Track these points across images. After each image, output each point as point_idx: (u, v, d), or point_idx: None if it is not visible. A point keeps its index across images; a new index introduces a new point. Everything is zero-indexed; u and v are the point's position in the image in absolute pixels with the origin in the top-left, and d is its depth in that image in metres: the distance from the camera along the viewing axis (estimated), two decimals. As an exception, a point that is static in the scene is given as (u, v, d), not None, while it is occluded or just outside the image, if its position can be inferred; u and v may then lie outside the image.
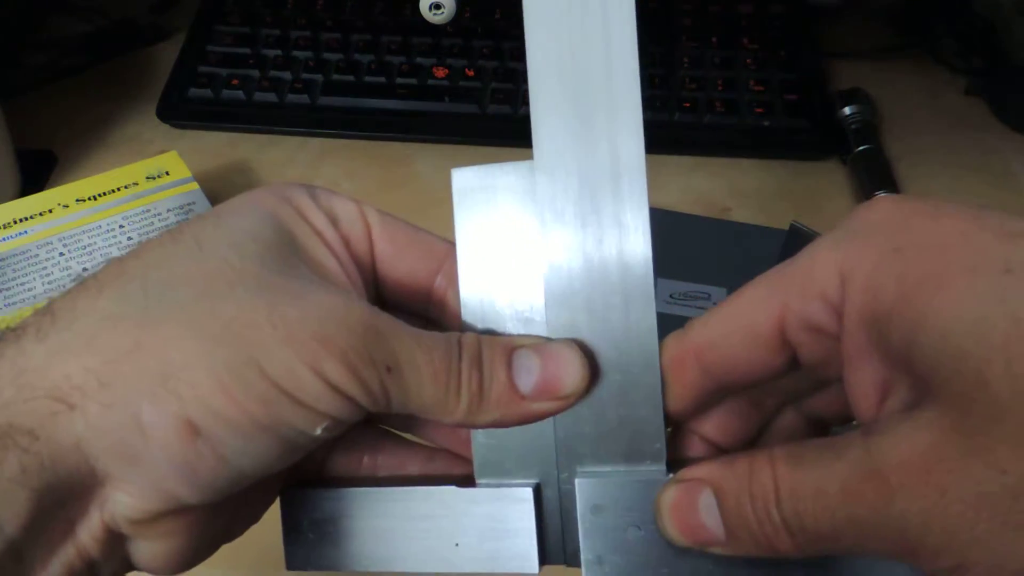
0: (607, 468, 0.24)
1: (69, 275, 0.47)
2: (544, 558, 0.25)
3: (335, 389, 0.21)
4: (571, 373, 0.23)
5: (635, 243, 0.24)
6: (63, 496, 0.20)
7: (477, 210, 0.25)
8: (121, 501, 0.21)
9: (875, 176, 0.57)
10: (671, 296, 0.46)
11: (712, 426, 0.25)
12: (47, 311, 0.22)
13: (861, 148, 0.59)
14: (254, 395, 0.21)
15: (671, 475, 0.23)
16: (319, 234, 0.25)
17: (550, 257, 0.24)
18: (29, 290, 0.46)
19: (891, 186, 0.56)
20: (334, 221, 0.25)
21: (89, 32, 0.69)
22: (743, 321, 0.23)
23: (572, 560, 0.24)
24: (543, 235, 0.24)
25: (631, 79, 0.25)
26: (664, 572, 0.23)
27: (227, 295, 0.21)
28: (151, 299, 0.21)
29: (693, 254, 0.48)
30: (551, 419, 0.24)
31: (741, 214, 0.57)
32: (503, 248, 0.25)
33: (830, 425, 0.25)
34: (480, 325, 0.25)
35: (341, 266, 0.25)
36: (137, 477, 0.21)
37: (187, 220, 0.24)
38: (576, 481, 0.24)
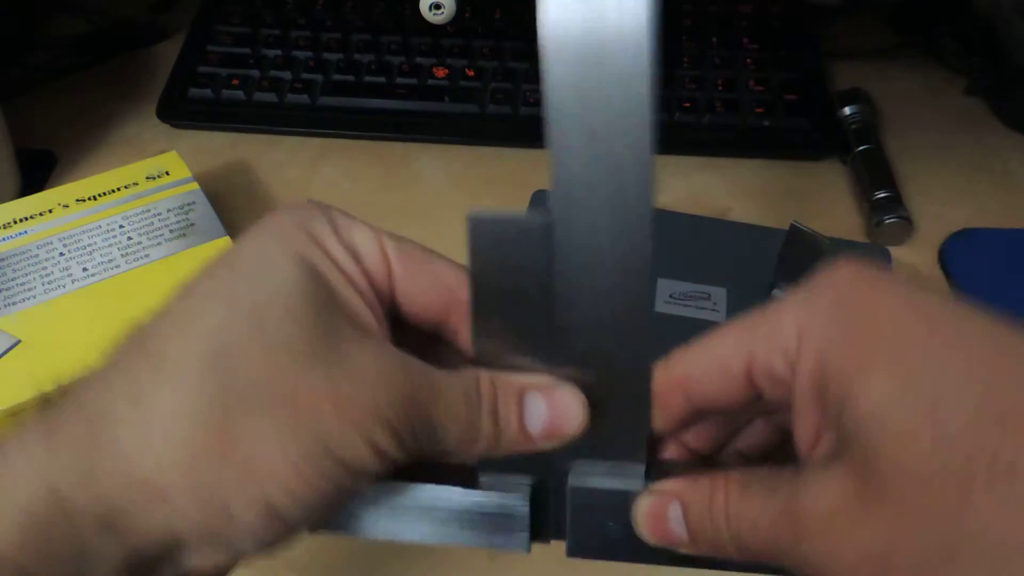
0: (595, 471, 0.28)
1: (69, 275, 0.47)
2: (534, 538, 0.29)
3: (383, 453, 0.24)
4: (573, 419, 0.26)
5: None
6: (145, 565, 0.23)
7: (491, 254, 0.26)
8: (193, 560, 0.24)
9: (875, 176, 0.57)
10: (671, 296, 0.46)
11: (690, 435, 0.29)
12: (114, 392, 0.24)
13: (861, 148, 0.59)
14: (323, 474, 0.23)
15: (648, 483, 0.27)
16: (346, 276, 0.26)
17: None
18: (29, 290, 0.46)
19: (891, 186, 0.56)
20: (356, 256, 0.27)
21: (89, 32, 0.69)
22: (719, 362, 0.26)
23: (558, 536, 0.29)
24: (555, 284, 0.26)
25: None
26: (633, 555, 0.28)
27: (288, 372, 0.23)
28: (220, 383, 0.23)
29: (693, 254, 0.48)
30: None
31: (741, 214, 0.57)
32: (515, 291, 0.26)
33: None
34: (491, 356, 0.27)
35: (367, 305, 0.27)
36: (217, 549, 0.24)
37: (215, 270, 0.25)
38: (568, 487, 0.28)
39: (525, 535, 0.29)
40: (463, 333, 0.28)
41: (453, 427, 0.25)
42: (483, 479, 0.28)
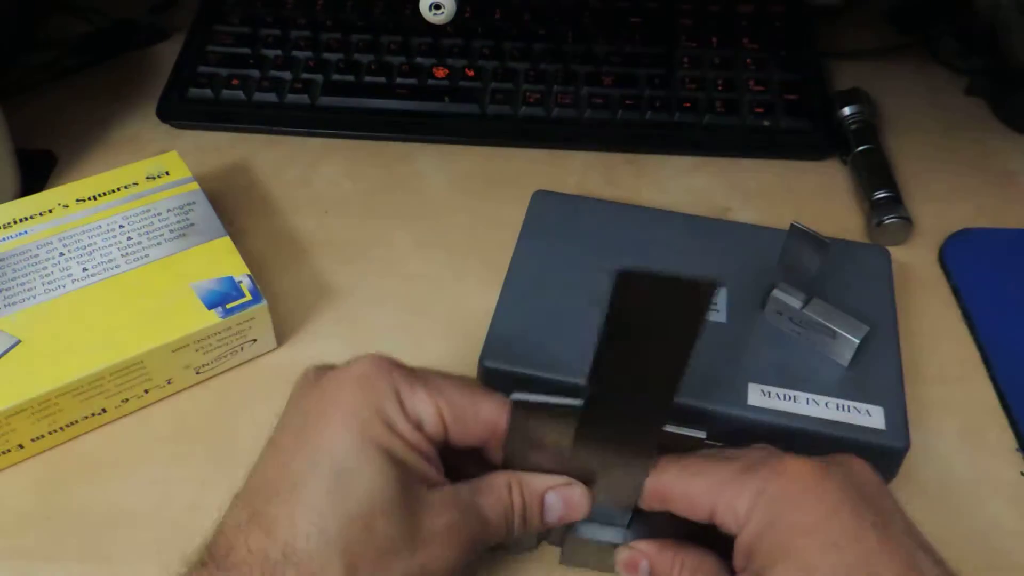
0: (589, 527, 0.38)
1: (69, 275, 0.47)
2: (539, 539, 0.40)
3: None
4: (581, 510, 0.36)
5: None
6: None
7: (526, 422, 0.33)
8: None
9: (875, 176, 0.57)
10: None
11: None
12: None
13: (861, 148, 0.59)
14: None
15: (628, 536, 0.38)
16: (416, 449, 0.33)
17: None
18: (29, 290, 0.46)
19: (891, 186, 0.56)
20: (419, 426, 0.33)
21: (89, 32, 0.69)
22: (690, 500, 0.34)
23: (556, 543, 0.40)
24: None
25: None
26: (608, 569, 0.39)
27: (395, 566, 0.32)
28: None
29: (693, 254, 0.48)
30: None
31: (741, 214, 0.57)
32: (542, 443, 0.35)
33: None
34: (518, 467, 0.36)
35: (429, 462, 0.33)
36: None
37: (313, 470, 0.31)
38: (565, 538, 0.39)
39: (533, 541, 0.40)
40: (497, 451, 0.35)
41: (495, 537, 0.35)
42: None
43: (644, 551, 0.36)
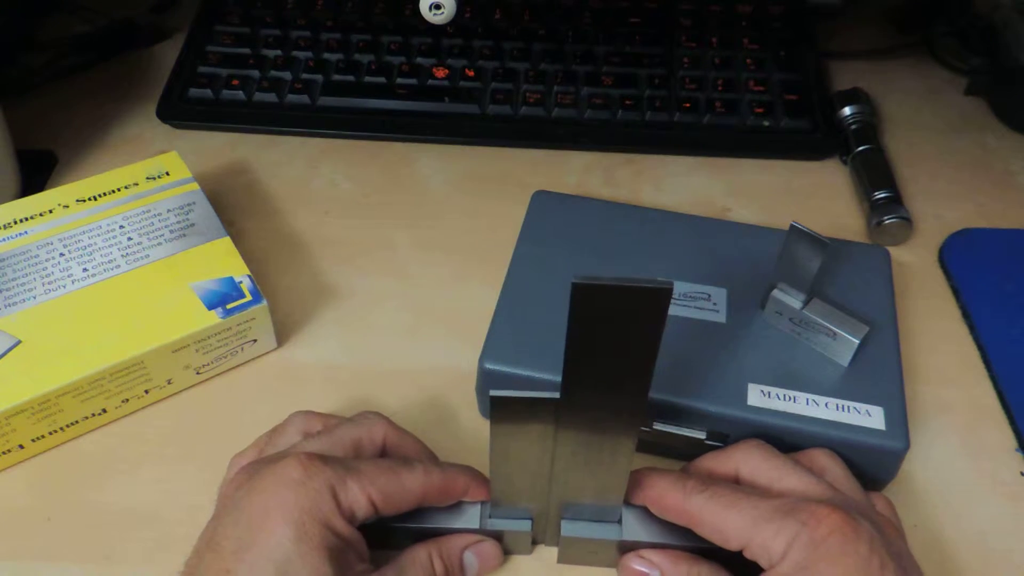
0: (579, 525, 0.39)
1: (69, 275, 0.47)
2: (534, 542, 0.42)
3: None
4: (493, 563, 0.40)
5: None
6: None
7: (506, 418, 0.34)
8: None
9: (875, 176, 0.57)
10: (672, 296, 0.45)
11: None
12: None
13: (861, 148, 0.59)
14: None
15: (620, 533, 0.39)
16: (351, 546, 0.35)
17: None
18: (29, 290, 0.46)
19: (891, 186, 0.56)
20: (353, 520, 0.35)
21: (89, 32, 0.69)
22: (722, 533, 0.36)
23: (552, 544, 0.41)
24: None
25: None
26: (606, 559, 0.40)
27: None
28: None
29: (693, 254, 0.48)
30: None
31: (741, 214, 0.57)
32: (523, 450, 0.35)
33: None
34: (505, 487, 0.38)
35: (359, 551, 0.35)
36: None
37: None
38: (560, 539, 0.40)
39: (528, 542, 0.41)
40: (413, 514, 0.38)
41: None
42: (491, 520, 0.39)
43: (656, 563, 0.38)
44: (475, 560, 0.39)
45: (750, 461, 0.39)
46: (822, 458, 0.40)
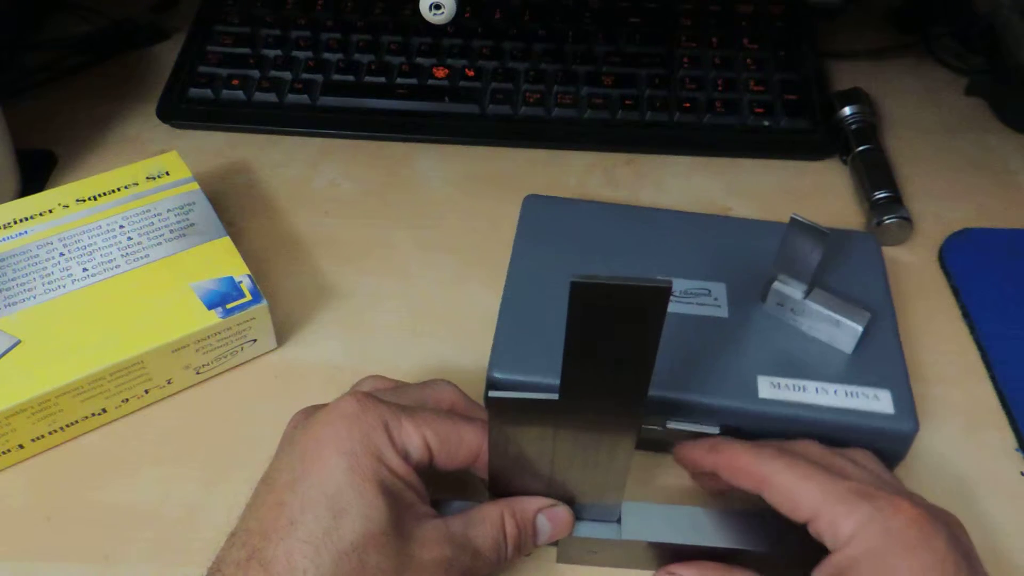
0: (581, 523, 0.39)
1: (69, 275, 0.47)
2: None
3: None
4: (566, 529, 0.38)
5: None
6: None
7: (505, 419, 0.34)
8: None
9: (875, 176, 0.57)
10: (672, 294, 0.45)
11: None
12: None
13: (861, 148, 0.59)
14: None
15: (620, 533, 0.38)
16: (404, 481, 0.34)
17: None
18: (29, 290, 0.46)
19: (891, 186, 0.56)
20: (407, 458, 0.35)
21: (89, 32, 0.69)
22: (793, 500, 0.35)
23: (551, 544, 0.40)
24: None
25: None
26: (605, 558, 0.40)
27: None
28: None
29: (691, 250, 0.48)
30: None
31: (741, 214, 0.57)
32: (522, 450, 0.35)
33: None
34: (503, 490, 0.38)
35: (417, 493, 0.35)
36: None
37: (309, 508, 0.33)
38: (560, 539, 0.39)
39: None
40: (480, 471, 0.37)
41: (485, 569, 0.36)
42: None
43: None
44: (548, 525, 0.38)
45: (810, 454, 0.38)
46: (863, 457, 0.39)
